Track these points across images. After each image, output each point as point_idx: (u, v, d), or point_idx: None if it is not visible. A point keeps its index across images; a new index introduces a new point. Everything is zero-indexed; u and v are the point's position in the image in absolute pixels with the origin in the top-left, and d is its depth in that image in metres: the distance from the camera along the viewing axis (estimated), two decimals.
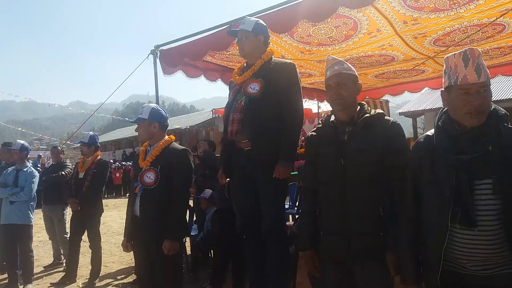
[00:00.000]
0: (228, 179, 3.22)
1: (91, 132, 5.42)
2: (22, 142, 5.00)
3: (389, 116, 2.17)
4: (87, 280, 4.87)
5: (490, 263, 1.61)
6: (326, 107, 10.45)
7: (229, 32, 3.40)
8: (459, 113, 1.66)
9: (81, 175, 5.10)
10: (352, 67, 2.17)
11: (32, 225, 4.86)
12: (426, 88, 8.05)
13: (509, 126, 1.66)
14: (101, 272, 5.06)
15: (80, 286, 4.79)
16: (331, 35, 4.69)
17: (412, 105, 18.64)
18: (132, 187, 2.96)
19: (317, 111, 11.08)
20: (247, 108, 2.92)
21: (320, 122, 2.29)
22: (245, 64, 3.25)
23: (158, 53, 5.27)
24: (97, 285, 4.80)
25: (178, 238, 2.84)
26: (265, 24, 3.16)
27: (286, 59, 5.39)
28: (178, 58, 5.04)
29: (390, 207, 1.99)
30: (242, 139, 2.93)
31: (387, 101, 10.72)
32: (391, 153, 2.01)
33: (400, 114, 18.57)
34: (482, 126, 1.63)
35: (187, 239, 5.12)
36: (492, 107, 1.68)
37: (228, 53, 5.01)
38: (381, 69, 6.46)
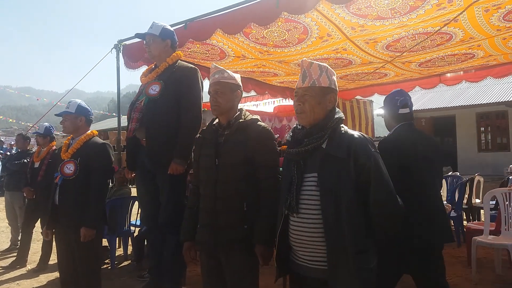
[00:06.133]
0: (134, 174, 3.37)
1: (46, 124, 5.57)
2: None
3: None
4: (37, 265, 5.00)
5: (315, 253, 1.81)
6: None
7: (137, 35, 3.56)
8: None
9: (36, 165, 5.27)
10: (233, 75, 2.34)
11: None
12: None
13: (347, 130, 1.89)
14: (51, 258, 5.17)
15: (29, 269, 4.92)
16: (284, 37, 4.77)
17: None
18: (53, 178, 3.09)
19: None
20: (146, 108, 3.07)
21: (206, 125, 2.45)
22: (153, 66, 3.40)
23: (121, 47, 5.39)
24: (45, 270, 4.92)
25: (93, 226, 2.98)
26: (172, 29, 3.31)
27: (247, 58, 5.53)
28: (139, 53, 5.13)
29: (255, 202, 2.17)
30: (140, 137, 3.10)
31: (371, 102, 10.85)
32: (260, 155, 2.19)
33: (378, 115, 18.60)
34: (314, 125, 1.89)
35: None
36: (335, 111, 1.93)
37: (189, 50, 5.10)
38: (343, 71, 6.56)
